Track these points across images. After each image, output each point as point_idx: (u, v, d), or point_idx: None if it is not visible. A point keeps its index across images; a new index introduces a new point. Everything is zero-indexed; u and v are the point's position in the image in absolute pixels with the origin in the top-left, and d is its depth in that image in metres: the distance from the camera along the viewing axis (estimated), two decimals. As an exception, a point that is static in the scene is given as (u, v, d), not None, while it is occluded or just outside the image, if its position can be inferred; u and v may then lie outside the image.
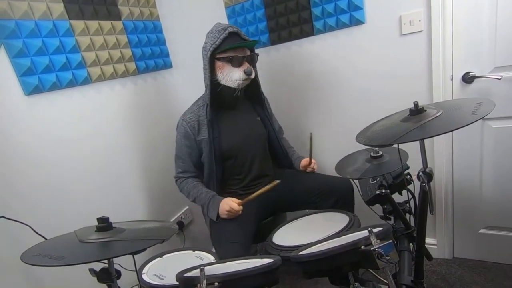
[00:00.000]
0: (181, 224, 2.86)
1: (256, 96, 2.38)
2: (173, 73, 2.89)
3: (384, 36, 2.38)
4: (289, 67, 2.80)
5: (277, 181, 2.03)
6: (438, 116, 1.40)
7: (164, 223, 1.79)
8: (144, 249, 1.39)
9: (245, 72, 2.10)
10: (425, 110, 1.46)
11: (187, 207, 2.99)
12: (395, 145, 1.44)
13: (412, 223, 1.92)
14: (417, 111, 1.47)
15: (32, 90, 1.82)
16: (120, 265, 1.60)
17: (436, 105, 1.54)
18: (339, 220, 1.90)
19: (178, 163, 2.27)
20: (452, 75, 2.28)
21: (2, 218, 1.61)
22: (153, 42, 2.66)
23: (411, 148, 1.69)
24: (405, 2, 2.25)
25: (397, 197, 1.90)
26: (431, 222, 2.67)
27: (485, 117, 1.30)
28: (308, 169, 2.43)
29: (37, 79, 1.84)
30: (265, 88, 2.46)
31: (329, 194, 2.26)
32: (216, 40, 2.06)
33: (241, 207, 2.06)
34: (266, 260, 1.33)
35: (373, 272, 2.34)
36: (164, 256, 1.81)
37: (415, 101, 1.48)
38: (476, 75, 2.21)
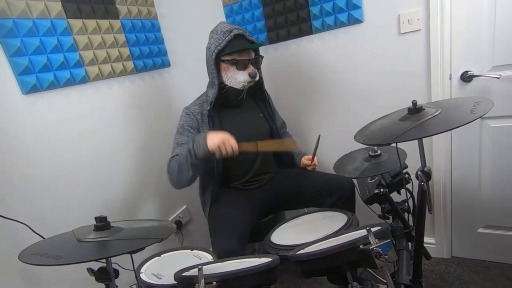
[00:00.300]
0: (179, 224, 2.86)
1: (259, 94, 2.40)
2: (171, 72, 2.88)
3: (382, 35, 2.38)
4: (287, 66, 2.80)
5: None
6: (437, 115, 1.40)
7: (162, 222, 1.79)
8: (142, 248, 1.39)
9: (250, 75, 2.11)
10: (424, 109, 1.46)
11: (185, 206, 2.98)
12: (394, 144, 1.44)
13: (411, 222, 1.92)
14: (415, 110, 1.47)
15: (30, 89, 1.81)
16: (118, 264, 1.60)
17: (434, 104, 1.54)
18: (337, 219, 1.90)
19: (174, 150, 2.16)
20: (450, 74, 2.28)
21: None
22: (151, 41, 2.65)
23: (410, 147, 1.69)
24: (403, 1, 2.25)
25: (395, 196, 1.91)
26: (430, 221, 2.68)
27: (484, 116, 1.30)
28: (309, 168, 2.43)
29: (35, 78, 1.83)
30: (267, 86, 2.46)
31: (330, 192, 2.26)
32: (221, 42, 2.06)
33: (236, 144, 1.96)
34: (265, 260, 1.32)
35: (371, 272, 2.34)
36: (162, 256, 1.81)
37: (414, 100, 1.48)
38: (475, 74, 2.21)
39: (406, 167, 1.93)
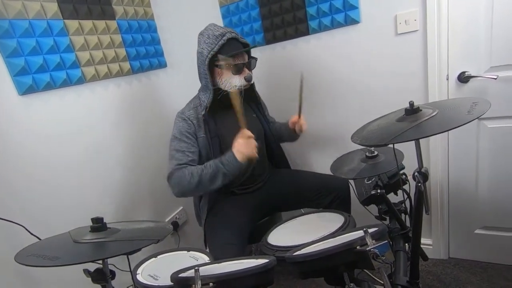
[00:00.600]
0: (175, 225, 2.86)
1: (252, 95, 2.38)
2: (167, 73, 2.88)
3: (379, 36, 2.39)
4: (284, 67, 2.80)
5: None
6: (434, 115, 1.40)
7: (158, 224, 1.78)
8: (139, 250, 1.39)
9: (245, 78, 2.10)
10: (421, 110, 1.46)
11: (181, 207, 2.98)
12: (391, 145, 1.44)
13: (408, 223, 1.92)
14: (412, 110, 1.47)
15: (26, 90, 1.81)
16: (114, 266, 1.59)
17: (431, 105, 1.54)
18: (334, 220, 1.90)
19: (176, 156, 2.09)
20: (447, 75, 2.29)
21: (-4, 218, 1.60)
22: (148, 41, 2.65)
23: (407, 148, 1.69)
24: (400, 1, 2.25)
25: (392, 197, 1.90)
26: (427, 222, 2.68)
27: (481, 116, 1.29)
28: (297, 127, 2.36)
29: (31, 79, 1.83)
30: (260, 87, 2.46)
31: (325, 193, 2.26)
32: (214, 47, 2.03)
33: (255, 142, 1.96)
34: (261, 261, 1.32)
35: (368, 273, 2.34)
36: (158, 257, 1.80)
37: (411, 101, 1.48)
38: (472, 75, 2.21)
39: (403, 168, 1.93)
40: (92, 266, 1.47)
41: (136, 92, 2.55)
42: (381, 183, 1.88)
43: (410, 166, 1.69)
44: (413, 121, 1.42)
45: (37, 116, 1.89)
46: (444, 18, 2.18)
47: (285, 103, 2.81)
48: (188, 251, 1.82)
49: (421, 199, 1.49)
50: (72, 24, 2.06)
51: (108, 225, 1.54)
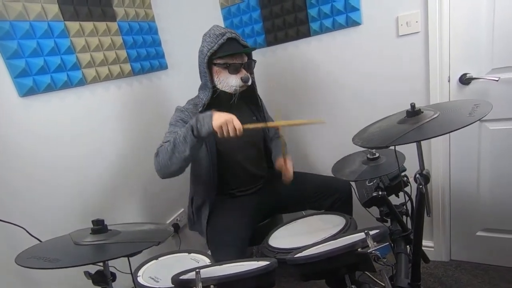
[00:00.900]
0: (176, 227, 2.86)
1: (252, 98, 2.38)
2: (168, 74, 2.88)
3: (381, 38, 2.38)
4: (285, 69, 2.80)
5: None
6: (435, 117, 1.39)
7: (159, 226, 1.77)
8: (140, 252, 1.38)
9: (242, 79, 2.09)
10: (422, 112, 1.46)
11: (182, 209, 2.97)
12: (392, 147, 1.44)
13: (409, 226, 1.91)
14: (414, 112, 1.46)
15: (27, 92, 1.81)
16: (115, 268, 1.58)
17: (433, 107, 1.54)
18: (335, 222, 1.89)
19: (167, 136, 2.07)
20: (449, 77, 2.28)
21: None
22: (149, 43, 2.65)
23: (408, 150, 1.68)
24: (402, 3, 2.25)
25: (394, 199, 1.90)
26: (428, 224, 2.67)
27: (483, 118, 1.29)
28: (283, 177, 2.26)
29: (32, 80, 1.83)
30: (261, 89, 2.45)
31: (327, 195, 2.26)
32: (213, 45, 2.04)
33: (240, 125, 1.87)
34: (262, 263, 1.32)
35: (369, 275, 2.34)
36: (159, 259, 1.80)
37: (412, 103, 1.47)
38: (474, 77, 2.21)
39: (405, 170, 1.92)
40: (93, 268, 1.46)
41: (137, 94, 2.55)
42: (382, 185, 1.87)
43: (411, 168, 1.68)
44: (414, 123, 1.41)
45: (38, 118, 1.89)
46: (445, 20, 2.17)
47: (286, 105, 2.81)
48: (189, 253, 1.81)
49: (422, 201, 1.49)
50: (73, 25, 2.06)
51: (109, 227, 1.54)
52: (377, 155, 1.91)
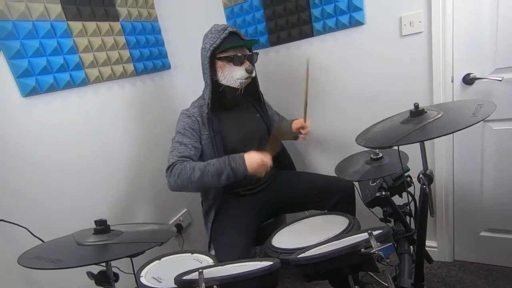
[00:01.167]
0: (179, 227, 2.86)
1: (255, 94, 2.39)
2: (171, 74, 2.88)
3: (384, 37, 2.37)
4: (288, 68, 2.79)
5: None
6: (439, 117, 1.39)
7: (162, 226, 1.78)
8: (143, 252, 1.38)
9: (246, 70, 2.10)
10: (426, 112, 1.46)
11: (185, 209, 2.98)
12: (395, 147, 1.43)
13: (413, 226, 1.91)
14: (417, 112, 1.46)
15: (30, 92, 1.81)
16: (118, 268, 1.59)
17: (436, 107, 1.53)
18: (338, 222, 1.89)
19: (179, 149, 2.06)
20: (452, 77, 2.27)
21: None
22: (152, 43, 2.65)
23: (412, 150, 1.68)
24: (405, 3, 2.24)
25: (397, 200, 1.90)
26: (432, 224, 2.66)
27: (486, 118, 1.29)
28: (301, 136, 2.37)
29: (35, 80, 1.83)
30: (265, 89, 2.46)
31: (330, 195, 2.25)
32: (216, 40, 2.06)
33: (270, 163, 1.95)
34: (265, 263, 1.32)
35: (373, 275, 2.34)
36: (162, 259, 1.79)
37: (416, 103, 1.47)
38: (477, 77, 2.20)
39: (408, 170, 1.92)
40: (95, 269, 1.46)
41: (140, 94, 2.55)
42: (385, 185, 1.87)
43: (415, 168, 1.68)
44: (418, 123, 1.41)
45: (40, 118, 1.90)
46: (449, 20, 2.17)
47: (290, 105, 2.80)
48: (192, 253, 1.81)
49: (426, 201, 1.49)
50: (76, 25, 2.06)
51: (111, 228, 1.54)
52: (380, 155, 1.91)
